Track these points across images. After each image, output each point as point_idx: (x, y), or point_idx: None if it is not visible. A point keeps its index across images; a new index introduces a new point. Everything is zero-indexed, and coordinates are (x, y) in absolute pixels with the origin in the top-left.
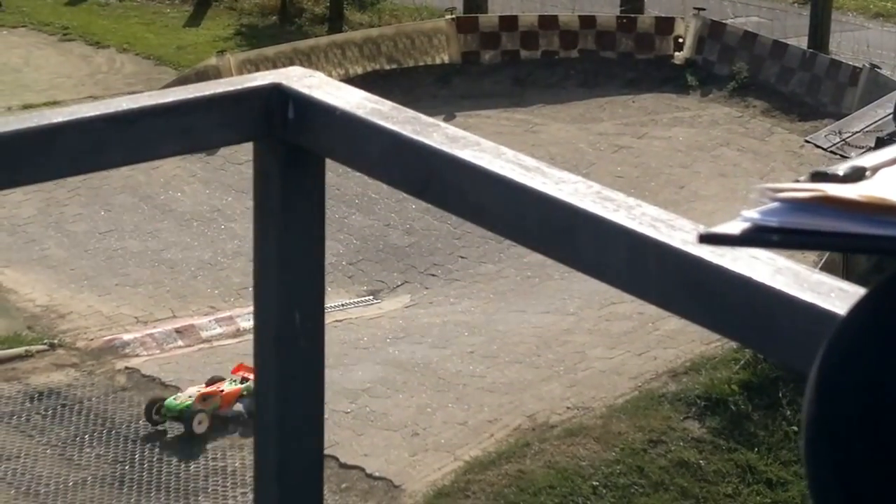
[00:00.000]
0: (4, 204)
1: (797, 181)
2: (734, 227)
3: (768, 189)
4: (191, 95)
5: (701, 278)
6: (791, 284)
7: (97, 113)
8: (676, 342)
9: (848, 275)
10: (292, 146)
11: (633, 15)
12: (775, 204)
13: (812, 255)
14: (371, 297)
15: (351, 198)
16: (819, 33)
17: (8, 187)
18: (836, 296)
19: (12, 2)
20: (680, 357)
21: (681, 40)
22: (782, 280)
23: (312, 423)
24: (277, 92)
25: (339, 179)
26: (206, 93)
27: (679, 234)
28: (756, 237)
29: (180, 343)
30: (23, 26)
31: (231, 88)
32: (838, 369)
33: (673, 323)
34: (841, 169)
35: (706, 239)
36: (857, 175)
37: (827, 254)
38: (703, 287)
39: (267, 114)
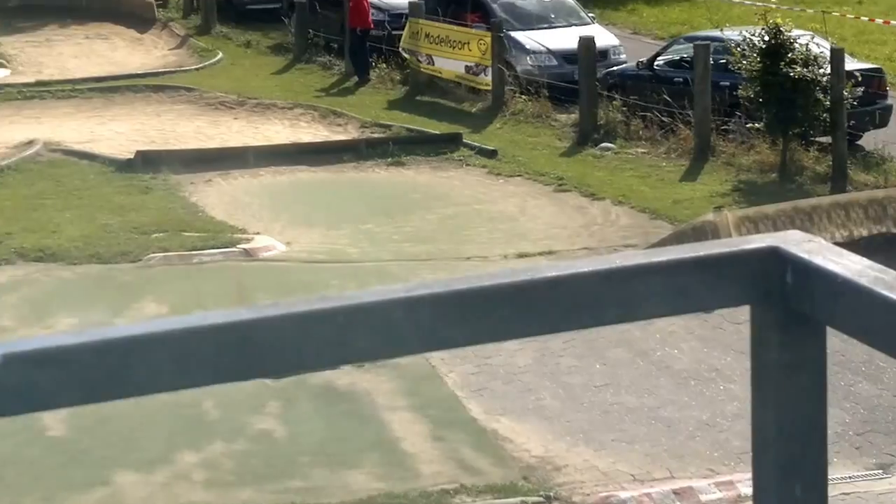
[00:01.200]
0: (500, 352)
1: None
2: None
3: None
4: (684, 255)
5: None
6: None
7: (592, 269)
8: None
9: None
10: (791, 312)
11: None
12: None
13: None
14: (880, 472)
15: (857, 365)
16: None
17: (510, 339)
18: None
19: (508, 151)
20: None
21: None
22: None
23: None
24: (775, 255)
25: (844, 345)
26: (700, 253)
27: None
28: None
29: None
30: (518, 175)
31: (726, 250)
32: None
33: None
34: None
35: None
36: None
37: None
38: None
39: (764, 277)
